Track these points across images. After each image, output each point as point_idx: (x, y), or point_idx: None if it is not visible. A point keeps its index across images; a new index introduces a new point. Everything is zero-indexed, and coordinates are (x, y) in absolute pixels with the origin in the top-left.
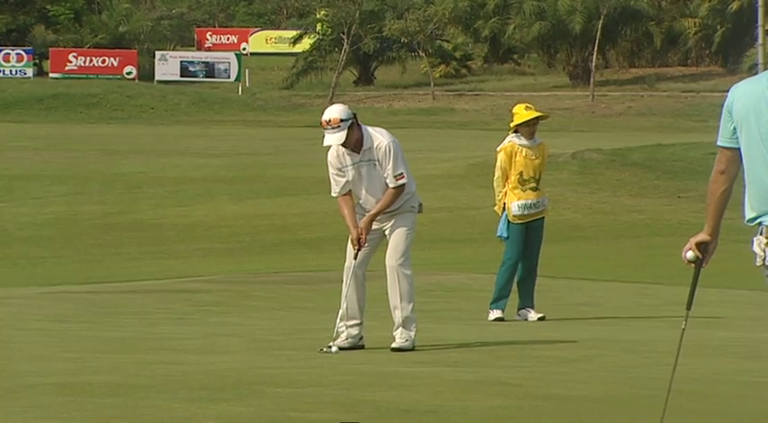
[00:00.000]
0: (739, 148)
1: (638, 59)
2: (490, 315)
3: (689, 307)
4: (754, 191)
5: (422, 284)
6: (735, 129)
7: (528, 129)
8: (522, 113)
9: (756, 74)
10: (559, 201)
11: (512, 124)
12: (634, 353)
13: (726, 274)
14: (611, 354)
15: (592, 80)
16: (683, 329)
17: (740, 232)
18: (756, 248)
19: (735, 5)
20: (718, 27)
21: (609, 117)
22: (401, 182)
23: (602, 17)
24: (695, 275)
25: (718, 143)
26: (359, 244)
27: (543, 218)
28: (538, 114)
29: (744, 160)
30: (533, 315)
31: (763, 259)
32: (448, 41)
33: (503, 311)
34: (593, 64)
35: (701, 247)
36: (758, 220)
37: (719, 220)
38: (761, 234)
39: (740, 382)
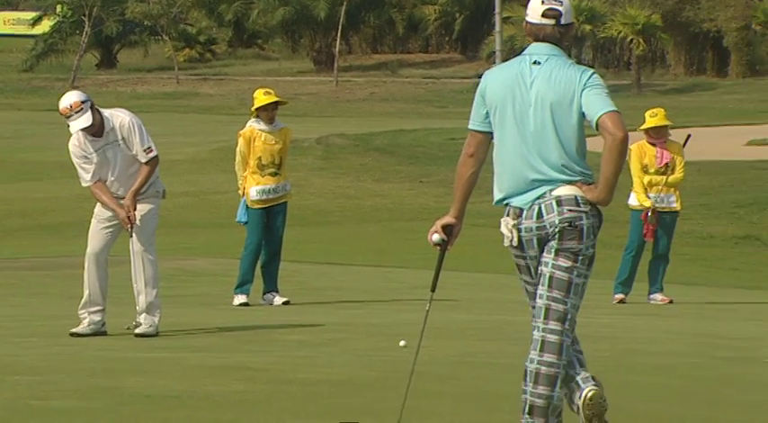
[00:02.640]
0: (489, 132)
1: (380, 46)
2: (235, 300)
3: (433, 289)
4: (504, 173)
5: (166, 270)
6: (487, 113)
7: (267, 113)
8: (260, 98)
9: (495, 61)
10: (304, 185)
11: (252, 109)
12: (378, 336)
13: (466, 257)
14: (356, 337)
15: (335, 66)
16: (428, 311)
17: (480, 216)
18: (504, 229)
19: None
20: (458, 14)
21: (352, 102)
22: (152, 155)
23: (345, 3)
24: (440, 258)
25: (470, 126)
26: (130, 222)
27: (286, 203)
28: (276, 99)
29: (496, 143)
30: (278, 299)
31: (511, 240)
32: (192, 25)
33: (247, 296)
34: (337, 50)
35: (446, 229)
36: (506, 202)
37: (465, 204)
38: (508, 215)
39: (481, 363)
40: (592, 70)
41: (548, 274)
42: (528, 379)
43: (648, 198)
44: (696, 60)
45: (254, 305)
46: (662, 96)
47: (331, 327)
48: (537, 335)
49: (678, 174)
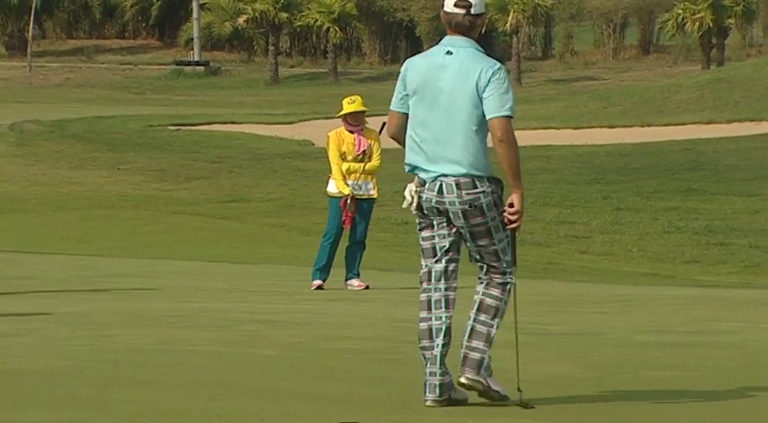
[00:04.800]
0: (407, 113)
1: (75, 31)
2: None
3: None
4: (414, 148)
5: None
6: (406, 96)
7: None
8: None
9: (194, 48)
10: None
11: None
12: (73, 325)
13: (165, 245)
14: (51, 326)
15: (29, 50)
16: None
17: (179, 204)
18: (407, 193)
19: None
20: (155, 1)
21: (47, 88)
22: None
23: None
24: None
25: (391, 107)
26: None
27: None
28: None
29: (410, 121)
30: None
31: (410, 203)
32: None
33: None
34: (30, 34)
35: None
36: (414, 171)
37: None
38: (413, 182)
39: (178, 350)
40: (497, 66)
41: (474, 253)
42: (465, 335)
43: (347, 185)
44: (390, 49)
45: None
46: (358, 84)
47: (25, 316)
48: (476, 297)
49: (375, 161)
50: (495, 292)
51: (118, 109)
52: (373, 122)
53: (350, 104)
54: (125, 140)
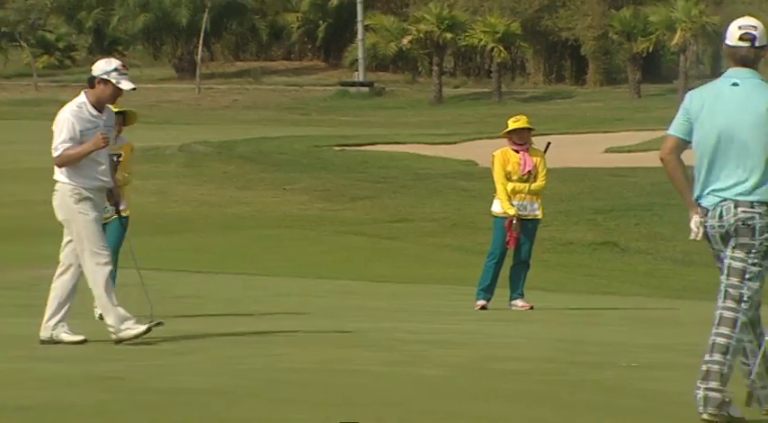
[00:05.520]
0: (683, 139)
1: (243, 53)
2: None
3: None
4: (700, 176)
5: (20, 279)
6: (685, 122)
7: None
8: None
9: (358, 69)
10: (167, 193)
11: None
12: (239, 344)
13: (329, 265)
14: (219, 345)
15: (198, 73)
16: None
17: (343, 223)
18: (693, 225)
19: (335, 0)
20: (321, 22)
21: (215, 110)
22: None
23: (207, 10)
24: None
25: (670, 131)
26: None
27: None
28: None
29: (695, 151)
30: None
31: (696, 235)
32: (51, 32)
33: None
34: (199, 57)
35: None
36: (699, 200)
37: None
38: (697, 213)
39: (341, 370)
40: None
41: (727, 264)
42: (708, 348)
43: (512, 205)
44: (555, 68)
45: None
46: (522, 104)
47: (194, 335)
48: (716, 312)
49: (540, 181)
50: (726, 330)
51: (284, 130)
52: (539, 142)
53: (515, 123)
54: (291, 161)
